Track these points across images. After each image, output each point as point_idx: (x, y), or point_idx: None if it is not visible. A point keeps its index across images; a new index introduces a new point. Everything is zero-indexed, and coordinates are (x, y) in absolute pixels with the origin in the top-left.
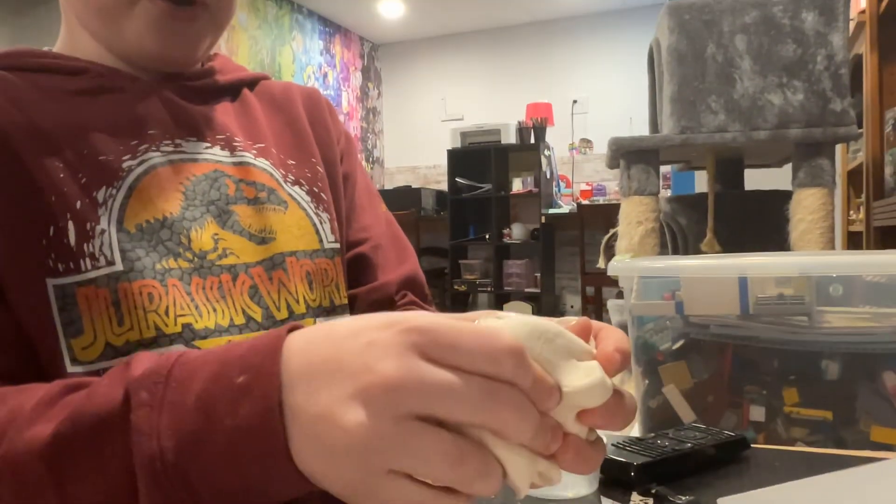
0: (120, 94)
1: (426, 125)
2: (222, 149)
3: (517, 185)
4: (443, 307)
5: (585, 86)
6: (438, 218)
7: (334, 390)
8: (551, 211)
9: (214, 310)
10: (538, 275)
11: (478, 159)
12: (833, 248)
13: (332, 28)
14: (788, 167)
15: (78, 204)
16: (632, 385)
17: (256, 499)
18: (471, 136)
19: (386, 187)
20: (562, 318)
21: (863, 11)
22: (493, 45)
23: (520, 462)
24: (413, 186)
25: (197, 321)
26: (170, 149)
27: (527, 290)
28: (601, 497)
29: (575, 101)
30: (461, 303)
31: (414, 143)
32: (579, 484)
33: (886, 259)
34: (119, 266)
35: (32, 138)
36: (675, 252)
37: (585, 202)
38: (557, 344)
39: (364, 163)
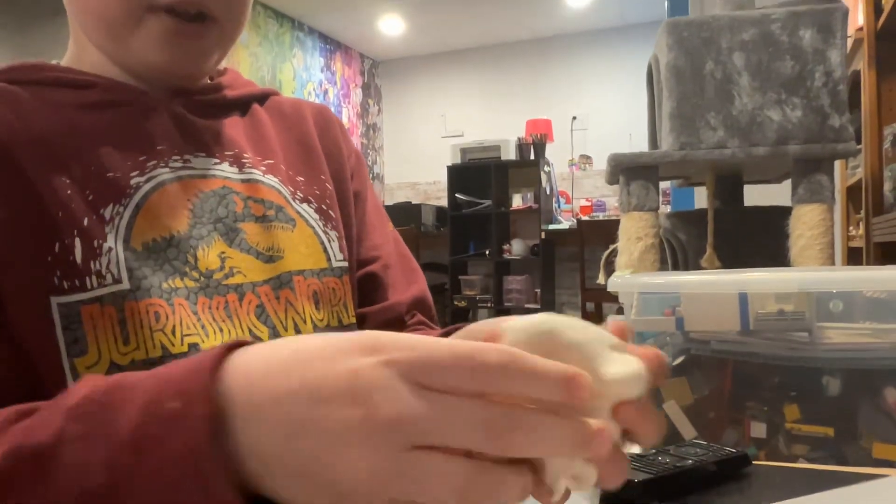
0: (128, 109)
1: (426, 141)
2: (231, 165)
3: (517, 201)
4: (443, 323)
5: (585, 102)
6: (438, 234)
7: (323, 423)
8: (551, 227)
9: (221, 330)
10: (538, 291)
11: (478, 175)
12: (833, 263)
13: (332, 45)
14: (788, 183)
15: (85, 221)
16: None
17: None
18: (471, 153)
19: (386, 203)
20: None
21: (860, 28)
22: (492, 62)
23: (554, 463)
24: (413, 202)
25: (203, 341)
26: (178, 165)
27: (527, 305)
28: None
29: (574, 118)
30: (461, 319)
31: (414, 159)
32: (578, 502)
33: (886, 275)
34: (126, 284)
35: (39, 153)
36: (676, 268)
37: (585, 218)
38: (591, 331)
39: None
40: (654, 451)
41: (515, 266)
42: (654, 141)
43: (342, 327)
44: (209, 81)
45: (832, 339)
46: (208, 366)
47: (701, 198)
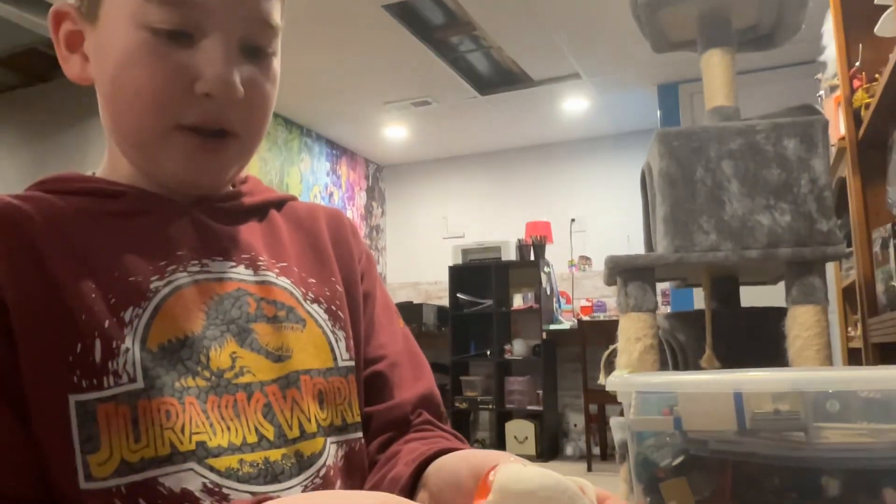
0: (153, 217)
1: (428, 242)
2: (247, 268)
3: (518, 301)
4: None
5: (583, 205)
6: (440, 334)
7: None
8: (552, 327)
9: (228, 428)
10: (540, 392)
11: (479, 276)
12: (831, 363)
13: (338, 150)
14: (783, 284)
15: (106, 323)
16: None
17: None
18: (472, 253)
19: None
20: (567, 478)
21: (843, 138)
22: (492, 167)
23: None
24: (415, 302)
25: (211, 439)
26: (196, 269)
27: (529, 407)
28: None
29: (573, 220)
30: (463, 421)
31: (416, 259)
32: None
33: (880, 374)
34: (140, 384)
35: (67, 259)
36: (676, 368)
37: (586, 318)
38: (576, 502)
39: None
40: None
41: (517, 366)
42: (649, 243)
43: (346, 426)
44: (231, 188)
45: (829, 439)
46: None
47: (699, 298)
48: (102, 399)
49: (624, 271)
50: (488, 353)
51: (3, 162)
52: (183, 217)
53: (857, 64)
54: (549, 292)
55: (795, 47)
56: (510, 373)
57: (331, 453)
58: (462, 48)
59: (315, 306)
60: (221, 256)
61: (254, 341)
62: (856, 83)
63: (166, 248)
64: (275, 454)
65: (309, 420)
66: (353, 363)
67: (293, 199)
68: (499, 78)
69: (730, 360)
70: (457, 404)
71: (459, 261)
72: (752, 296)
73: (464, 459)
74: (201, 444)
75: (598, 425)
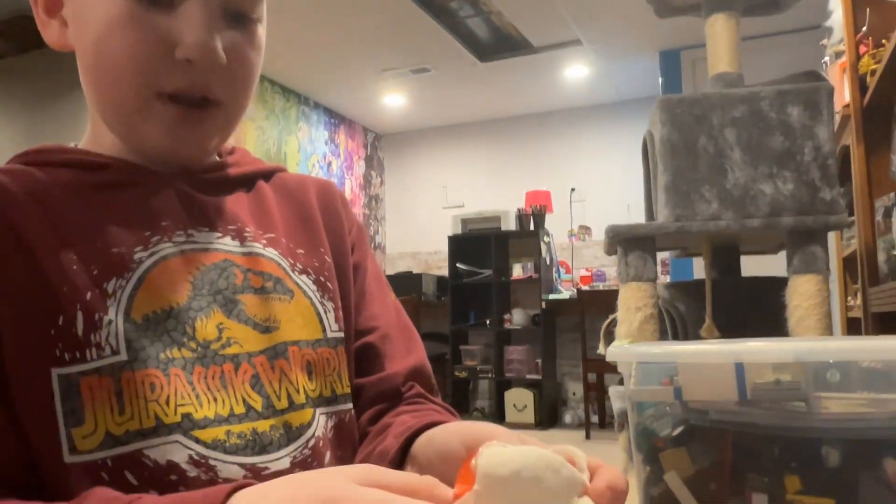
0: (137, 189)
1: (427, 212)
2: (233, 239)
3: (517, 271)
4: (444, 394)
5: (583, 174)
6: (439, 303)
7: None
8: (552, 296)
9: (215, 399)
10: (539, 361)
11: (478, 245)
12: (831, 333)
13: (336, 119)
14: (784, 253)
15: (88, 295)
16: (634, 473)
17: None
18: (471, 223)
19: (388, 273)
20: (557, 448)
21: (847, 105)
22: (492, 135)
23: None
24: (414, 272)
25: (196, 411)
26: (182, 239)
27: (528, 376)
28: None
29: (573, 189)
30: (462, 390)
31: (415, 229)
32: None
33: (882, 345)
34: (123, 356)
35: (48, 232)
36: (675, 338)
37: (585, 288)
38: (564, 476)
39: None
40: None
41: (516, 336)
42: (650, 213)
43: (335, 397)
44: (217, 159)
45: (829, 409)
46: None
47: (699, 268)
48: (85, 372)
49: (624, 240)
50: (488, 322)
51: None
52: (167, 188)
53: (864, 29)
54: (548, 262)
55: (801, 12)
56: (509, 342)
57: (320, 424)
58: (462, 13)
59: (303, 277)
60: (207, 227)
61: (241, 312)
62: (862, 49)
63: (150, 219)
64: (263, 425)
65: (297, 391)
66: (342, 334)
67: (282, 169)
68: (499, 44)
69: (729, 329)
70: (456, 373)
71: (459, 230)
72: (753, 265)
73: (454, 433)
74: (187, 415)
75: (596, 394)
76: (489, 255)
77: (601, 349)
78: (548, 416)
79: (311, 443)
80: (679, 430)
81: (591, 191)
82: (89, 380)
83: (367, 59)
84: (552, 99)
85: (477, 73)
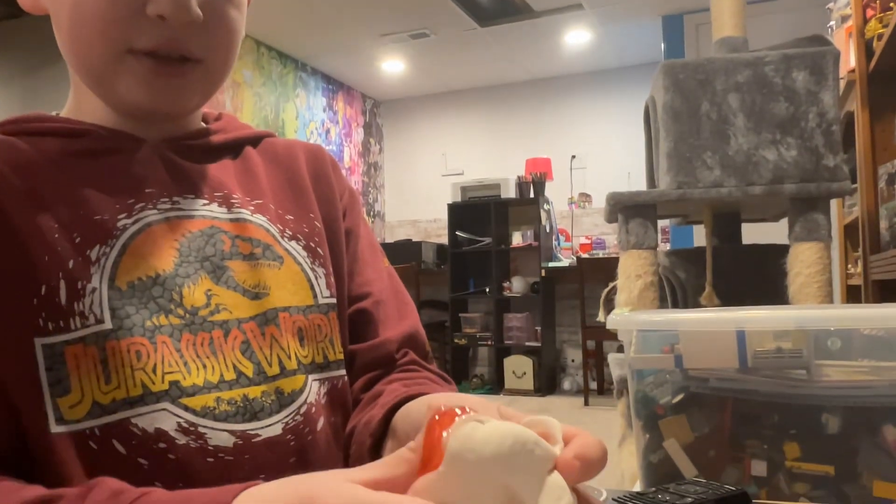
0: (120, 156)
1: (427, 180)
2: (220, 205)
3: (517, 239)
4: (443, 361)
5: (583, 141)
6: (439, 271)
7: None
8: (551, 264)
9: (204, 366)
10: (538, 328)
11: (478, 213)
12: (832, 301)
13: (334, 85)
14: (785, 221)
15: (71, 263)
16: (632, 440)
17: None
18: (471, 191)
19: (387, 241)
20: (531, 419)
21: (853, 70)
22: (492, 102)
23: None
24: (414, 240)
25: (185, 378)
26: (167, 206)
27: (527, 343)
28: None
29: (573, 157)
30: (462, 357)
31: (415, 197)
32: None
33: (883, 312)
34: (108, 324)
35: (28, 202)
36: (675, 306)
37: (585, 256)
38: (536, 455)
39: (366, 217)
40: (654, 489)
41: (516, 303)
42: (651, 180)
43: (328, 363)
44: (203, 125)
45: (830, 377)
46: None
47: (700, 236)
48: (70, 341)
49: (625, 208)
50: (487, 290)
51: None
52: (151, 155)
53: None
54: (548, 230)
55: None
56: (509, 310)
57: (312, 390)
58: None
59: (293, 243)
60: (193, 194)
61: (229, 279)
62: (869, 13)
63: (133, 185)
64: (254, 391)
65: (289, 357)
66: (334, 300)
67: (270, 135)
68: (499, 8)
69: (730, 297)
70: (456, 341)
71: (458, 198)
72: (754, 233)
73: (429, 407)
74: (174, 383)
75: (595, 361)
76: (489, 222)
77: (601, 317)
78: (547, 383)
79: (304, 409)
80: (679, 397)
81: (591, 158)
82: (74, 349)
83: (365, 24)
84: (553, 64)
85: (477, 38)
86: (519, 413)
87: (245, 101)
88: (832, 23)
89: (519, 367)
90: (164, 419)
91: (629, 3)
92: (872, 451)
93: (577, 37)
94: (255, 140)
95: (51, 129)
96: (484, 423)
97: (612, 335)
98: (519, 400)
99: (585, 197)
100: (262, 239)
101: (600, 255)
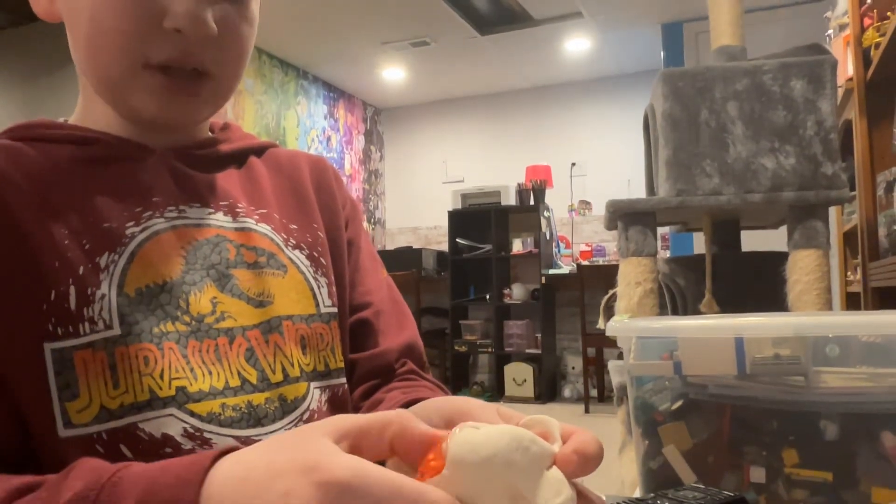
0: (128, 164)
1: (427, 187)
2: (225, 214)
3: (517, 246)
4: (444, 369)
5: (584, 149)
6: (439, 278)
7: None
8: (551, 271)
9: (210, 373)
10: (539, 335)
11: (478, 220)
12: (831, 308)
13: (335, 93)
14: (784, 228)
15: (80, 269)
16: (632, 448)
17: None
18: (471, 198)
19: (387, 248)
20: (530, 418)
21: (850, 79)
22: (492, 110)
23: None
24: (414, 247)
25: (191, 384)
26: (174, 215)
27: (527, 350)
28: None
29: (573, 164)
30: (461, 364)
31: (415, 204)
32: None
33: (881, 319)
34: (117, 330)
35: (38, 206)
36: (675, 313)
37: (585, 263)
38: (533, 452)
39: (366, 224)
40: (653, 495)
41: (516, 311)
42: (651, 187)
43: (329, 372)
44: (209, 135)
45: (828, 384)
46: (195, 479)
47: (699, 243)
48: (78, 346)
49: (625, 215)
50: (487, 297)
51: None
52: (158, 164)
53: (868, 1)
54: (548, 237)
55: None
56: (509, 317)
57: (314, 398)
58: None
59: (297, 252)
60: (199, 203)
61: (234, 287)
62: (866, 21)
63: (141, 194)
64: (258, 398)
65: (292, 365)
66: (335, 309)
67: (274, 145)
68: (499, 16)
69: (729, 304)
70: (456, 348)
71: (459, 205)
72: (753, 240)
73: (433, 409)
74: (181, 389)
75: (595, 368)
76: (489, 229)
77: (601, 324)
78: (547, 390)
79: (306, 416)
80: (678, 404)
81: (591, 165)
82: (83, 354)
83: (366, 32)
84: (553, 72)
85: (477, 47)
86: (518, 413)
87: (246, 108)
88: (830, 32)
89: (519, 375)
90: (171, 424)
91: (629, 12)
92: (871, 457)
93: (576, 45)
94: (260, 150)
95: (60, 136)
96: (479, 429)
97: (613, 342)
98: (519, 407)
99: (585, 204)
100: (267, 248)
101: (600, 263)
